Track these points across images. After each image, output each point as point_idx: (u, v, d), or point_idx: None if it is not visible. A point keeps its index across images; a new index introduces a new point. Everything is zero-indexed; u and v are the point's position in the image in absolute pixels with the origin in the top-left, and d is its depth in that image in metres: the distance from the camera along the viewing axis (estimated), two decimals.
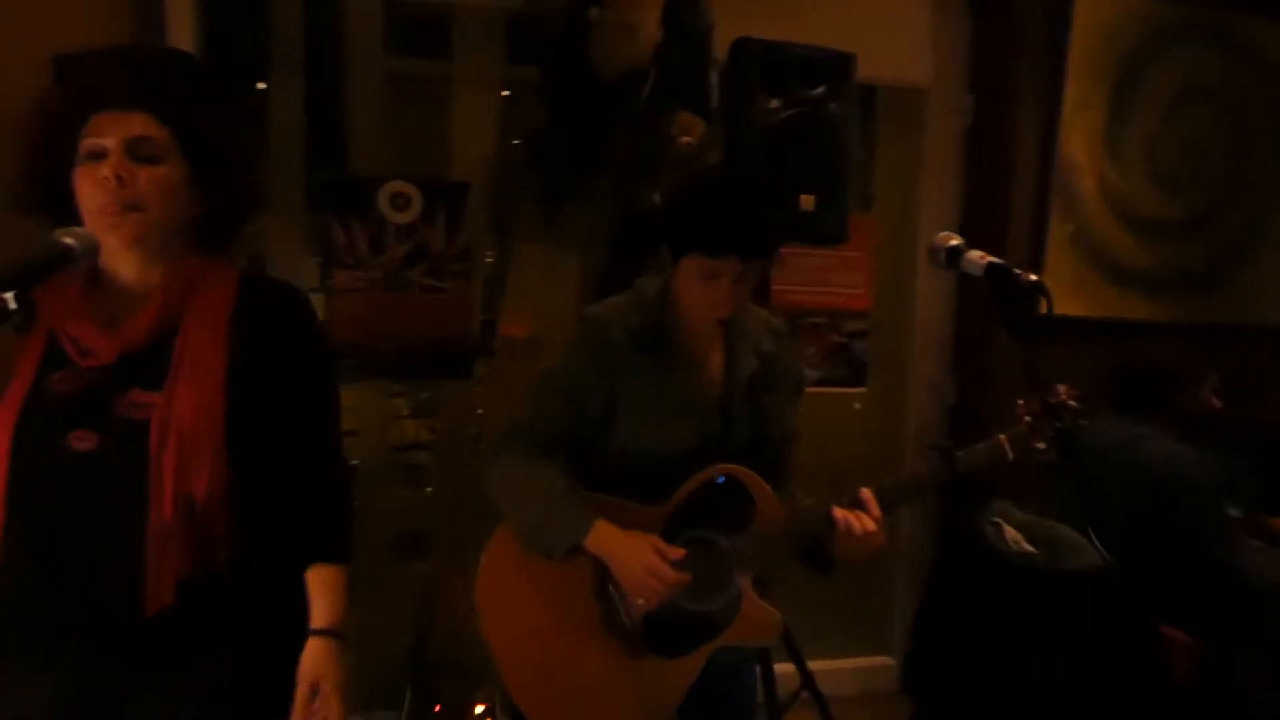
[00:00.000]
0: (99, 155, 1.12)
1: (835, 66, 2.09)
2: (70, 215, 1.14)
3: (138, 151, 1.13)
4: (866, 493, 1.40)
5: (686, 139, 2.11)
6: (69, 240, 1.07)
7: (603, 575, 1.47)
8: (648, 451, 1.46)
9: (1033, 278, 1.32)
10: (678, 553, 1.39)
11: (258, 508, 1.19)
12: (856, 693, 2.85)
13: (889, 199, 2.97)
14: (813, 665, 2.42)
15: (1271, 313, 3.03)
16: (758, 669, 1.81)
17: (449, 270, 2.60)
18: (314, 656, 1.24)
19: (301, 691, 1.22)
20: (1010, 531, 2.27)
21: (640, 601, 1.43)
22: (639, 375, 1.46)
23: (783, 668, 2.32)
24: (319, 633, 1.25)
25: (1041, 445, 1.40)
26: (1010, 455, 1.40)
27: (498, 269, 2.73)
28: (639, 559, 1.38)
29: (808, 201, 2.08)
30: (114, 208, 1.12)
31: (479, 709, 2.41)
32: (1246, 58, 2.83)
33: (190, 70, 1.90)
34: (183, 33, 2.23)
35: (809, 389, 2.75)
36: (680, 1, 2.15)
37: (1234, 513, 2.37)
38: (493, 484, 1.49)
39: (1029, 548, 2.23)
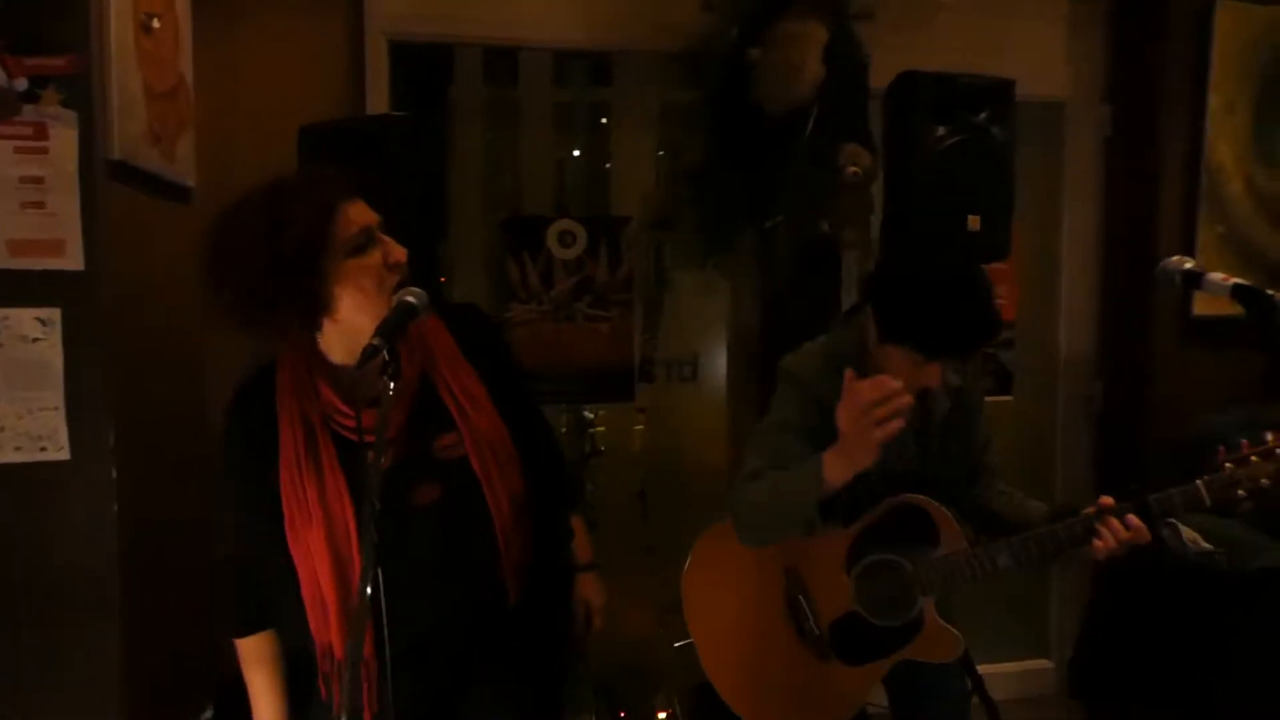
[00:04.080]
0: (371, 242, 1.20)
1: (997, 92, 2.17)
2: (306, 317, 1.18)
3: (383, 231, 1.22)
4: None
5: (854, 168, 2.22)
6: (410, 299, 1.18)
7: (792, 588, 1.64)
8: (845, 484, 1.49)
9: None
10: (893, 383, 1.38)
11: (535, 487, 1.37)
12: (1016, 696, 2.90)
13: (1030, 210, 3.03)
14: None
15: None
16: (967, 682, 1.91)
17: (612, 300, 2.78)
18: (588, 585, 1.63)
19: (580, 611, 1.63)
20: (1187, 531, 2.30)
21: (878, 436, 1.38)
22: (835, 418, 1.50)
23: None
24: (587, 567, 1.63)
25: (1242, 494, 1.40)
26: (1208, 501, 1.42)
27: (655, 296, 2.89)
28: (857, 418, 1.39)
29: (974, 222, 2.17)
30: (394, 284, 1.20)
31: (661, 715, 2.55)
32: None
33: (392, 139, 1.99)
34: (379, 92, 2.47)
35: None
36: (840, 39, 2.28)
37: None
38: (741, 520, 1.58)
39: (1208, 546, 2.26)
